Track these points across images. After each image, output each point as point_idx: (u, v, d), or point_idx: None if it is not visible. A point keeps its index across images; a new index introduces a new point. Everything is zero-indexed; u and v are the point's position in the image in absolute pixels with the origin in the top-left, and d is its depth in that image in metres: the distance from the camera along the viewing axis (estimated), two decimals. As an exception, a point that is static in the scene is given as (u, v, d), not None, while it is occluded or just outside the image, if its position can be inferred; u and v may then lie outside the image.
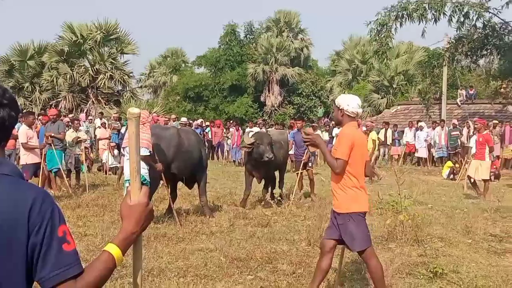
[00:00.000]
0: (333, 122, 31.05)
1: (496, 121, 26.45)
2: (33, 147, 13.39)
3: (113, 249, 2.13)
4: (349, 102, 6.09)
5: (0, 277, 1.97)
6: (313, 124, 16.29)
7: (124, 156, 14.39)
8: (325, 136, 27.30)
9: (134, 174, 2.28)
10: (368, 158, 6.32)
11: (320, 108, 45.76)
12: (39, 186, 13.98)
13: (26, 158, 13.36)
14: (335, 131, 27.33)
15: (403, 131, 28.35)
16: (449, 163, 22.76)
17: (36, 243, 1.98)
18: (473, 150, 16.70)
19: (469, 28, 26.88)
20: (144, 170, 9.86)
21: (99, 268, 2.08)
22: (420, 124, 27.69)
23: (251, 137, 13.00)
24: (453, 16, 25.59)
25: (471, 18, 25.78)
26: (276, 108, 47.27)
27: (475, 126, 17.38)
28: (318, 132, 19.61)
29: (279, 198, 13.21)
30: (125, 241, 2.19)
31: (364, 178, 6.14)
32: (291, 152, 16.36)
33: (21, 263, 1.99)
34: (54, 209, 2.05)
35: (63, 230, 2.04)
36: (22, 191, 2.04)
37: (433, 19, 25.38)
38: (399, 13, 25.46)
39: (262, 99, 47.74)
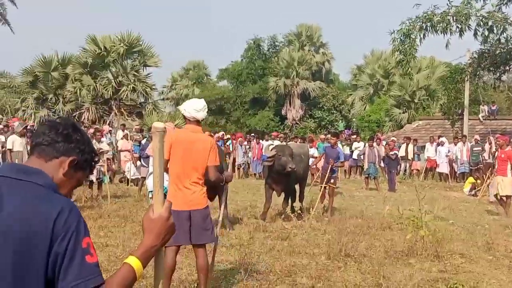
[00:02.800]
0: (353, 136, 31.09)
1: (519, 137, 26.22)
2: None
3: (134, 262, 2.18)
4: (185, 106, 6.45)
5: (17, 280, 2.03)
6: (336, 135, 16.18)
7: (145, 167, 14.43)
8: (346, 150, 27.26)
9: (157, 188, 2.31)
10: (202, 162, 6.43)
11: (342, 122, 45.70)
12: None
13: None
14: (355, 145, 27.33)
15: (424, 146, 28.21)
16: (471, 179, 22.58)
17: (59, 252, 2.04)
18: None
19: (492, 43, 26.64)
20: (167, 182, 9.92)
21: (120, 280, 2.13)
22: (441, 139, 27.53)
23: (271, 150, 13.04)
24: (478, 30, 25.39)
25: (495, 32, 25.58)
26: (297, 122, 47.32)
27: (497, 142, 17.25)
28: (339, 145, 19.58)
29: (299, 211, 13.20)
30: (146, 254, 2.23)
31: (188, 179, 6.35)
32: (319, 165, 16.32)
33: (40, 270, 2.05)
34: (80, 221, 2.11)
35: (87, 242, 2.10)
36: (50, 201, 2.11)
37: (458, 32, 25.13)
38: (423, 24, 25.28)
39: (283, 112, 47.84)
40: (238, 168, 27.23)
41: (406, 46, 25.74)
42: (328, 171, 14.66)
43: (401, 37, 25.70)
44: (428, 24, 25.12)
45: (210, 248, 7.15)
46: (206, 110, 6.53)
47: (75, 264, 2.04)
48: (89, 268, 2.06)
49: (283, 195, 13.94)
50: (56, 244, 2.04)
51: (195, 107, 6.41)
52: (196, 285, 7.06)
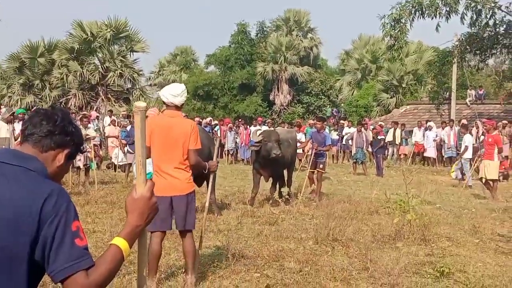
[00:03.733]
0: (341, 121, 31.14)
1: (506, 122, 26.36)
2: None
3: (120, 242, 2.18)
4: (163, 91, 6.49)
5: (4, 264, 2.04)
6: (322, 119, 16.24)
7: (131, 153, 14.38)
8: (334, 135, 27.32)
9: (140, 167, 2.31)
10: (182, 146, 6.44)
11: (329, 107, 45.72)
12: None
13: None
14: (346, 130, 27.38)
15: (411, 131, 28.31)
16: (458, 163, 22.66)
17: (48, 235, 2.05)
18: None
19: (480, 26, 26.66)
20: (151, 165, 9.89)
21: (108, 260, 2.14)
22: (429, 124, 27.63)
23: (259, 135, 13.03)
24: (466, 14, 25.41)
25: (483, 16, 25.61)
26: (285, 107, 47.31)
27: (485, 127, 17.33)
28: (327, 130, 19.61)
29: (287, 196, 13.23)
30: (131, 234, 2.24)
31: (170, 165, 6.39)
32: (299, 151, 16.33)
33: (27, 253, 2.06)
34: (69, 204, 2.13)
35: (77, 226, 2.11)
36: (39, 185, 2.12)
37: (446, 16, 25.11)
38: (413, 8, 25.19)
39: (271, 98, 47.79)
40: (227, 154, 27.28)
41: (396, 31, 25.70)
42: (312, 155, 14.69)
43: (391, 22, 25.66)
44: (418, 8, 25.06)
45: (198, 234, 7.15)
46: (185, 95, 6.51)
47: (65, 247, 2.05)
48: (79, 251, 2.07)
49: (271, 180, 13.96)
50: (45, 227, 2.05)
51: (172, 92, 6.41)
52: (183, 270, 7.06)
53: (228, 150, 27.26)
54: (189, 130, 6.41)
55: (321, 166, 14.81)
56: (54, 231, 2.04)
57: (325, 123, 15.75)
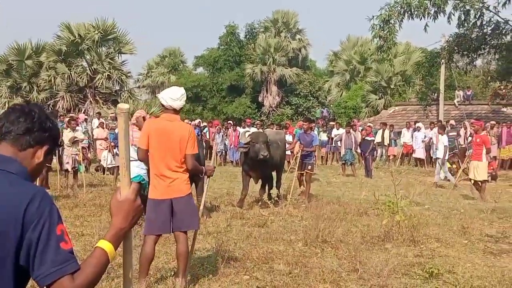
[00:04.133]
0: (331, 123, 31.17)
1: (494, 122, 26.52)
2: None
3: (105, 245, 2.18)
4: (163, 94, 6.55)
5: None
6: (309, 121, 16.40)
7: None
8: (323, 136, 27.34)
9: (123, 169, 2.30)
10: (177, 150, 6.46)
11: (318, 108, 45.76)
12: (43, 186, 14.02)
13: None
14: (334, 131, 27.39)
15: (400, 132, 28.38)
16: (447, 164, 22.75)
17: (32, 240, 2.02)
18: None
19: (468, 27, 26.75)
20: (143, 170, 9.87)
21: (93, 264, 2.13)
22: (417, 125, 27.73)
23: (247, 137, 13.04)
24: (453, 14, 25.47)
25: (471, 16, 25.70)
26: (274, 109, 47.31)
27: (472, 127, 17.40)
28: (315, 131, 19.60)
29: (276, 198, 13.22)
30: (115, 236, 2.23)
31: (168, 168, 6.41)
32: (288, 152, 16.34)
33: (12, 259, 2.03)
34: (52, 208, 2.10)
35: (61, 229, 2.09)
36: (21, 188, 2.09)
37: (434, 16, 25.14)
38: (401, 9, 25.22)
39: (260, 99, 47.78)
40: (216, 156, 27.23)
41: (386, 32, 25.72)
42: (299, 157, 14.74)
43: (380, 23, 25.67)
44: (407, 8, 25.09)
45: (190, 236, 7.12)
46: (184, 99, 6.55)
47: (50, 251, 2.03)
48: (64, 255, 2.05)
49: (260, 182, 13.95)
50: (29, 232, 2.03)
51: (172, 96, 6.45)
52: (173, 273, 7.05)
53: (216, 152, 27.22)
54: (187, 135, 6.46)
55: (309, 167, 14.83)
56: (38, 235, 2.03)
57: (313, 124, 15.76)
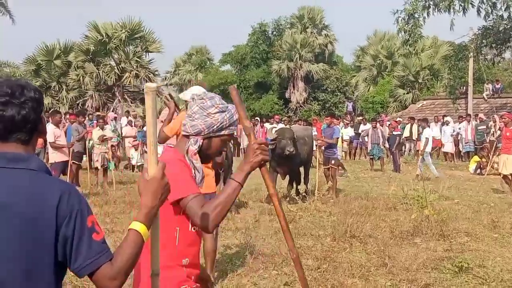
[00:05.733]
0: (359, 118, 31.04)
1: (524, 115, 26.15)
2: (61, 146, 13.59)
3: (138, 226, 2.20)
4: (184, 93, 6.68)
5: (29, 266, 2.05)
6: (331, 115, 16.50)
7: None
8: (350, 131, 27.22)
9: (151, 148, 2.30)
10: None
11: (346, 104, 45.47)
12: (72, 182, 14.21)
13: (55, 157, 13.55)
14: (362, 127, 27.27)
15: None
16: (476, 158, 22.55)
17: (67, 235, 2.07)
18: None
19: (495, 19, 26.45)
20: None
21: (129, 246, 2.17)
22: (446, 119, 27.50)
23: (274, 133, 13.07)
24: (481, 7, 25.21)
25: (498, 8, 25.41)
26: (301, 105, 47.14)
27: (503, 120, 17.18)
28: (339, 126, 19.60)
29: (304, 194, 13.23)
30: (147, 216, 2.24)
31: None
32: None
33: (49, 253, 2.08)
34: (81, 200, 2.14)
35: (92, 221, 2.14)
36: (49, 185, 2.12)
37: (461, 10, 24.91)
38: (426, 3, 25.05)
39: (287, 95, 47.66)
40: (243, 152, 27.28)
41: (410, 25, 25.55)
42: (322, 151, 14.82)
43: (405, 17, 25.52)
44: (431, 2, 24.91)
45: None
46: None
47: (84, 244, 2.08)
48: (97, 246, 2.10)
49: (287, 178, 13.97)
50: (63, 228, 2.07)
51: (193, 91, 6.52)
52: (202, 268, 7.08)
53: (243, 148, 27.27)
54: None
55: (332, 162, 14.79)
56: (72, 231, 2.07)
57: (334, 119, 15.70)
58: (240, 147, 26.87)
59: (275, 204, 3.13)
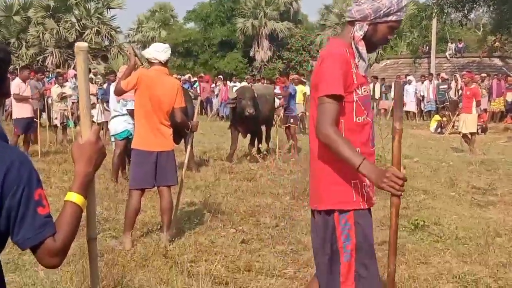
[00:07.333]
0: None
1: (485, 75, 26.48)
2: (25, 97, 13.26)
3: (74, 197, 2.12)
4: (147, 49, 6.63)
5: None
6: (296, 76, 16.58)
7: (108, 111, 14.28)
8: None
9: (84, 111, 2.22)
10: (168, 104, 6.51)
11: (309, 63, 45.43)
12: (33, 143, 13.98)
13: (18, 112, 13.24)
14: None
15: (391, 86, 28.31)
16: (437, 117, 22.80)
17: (12, 206, 1.99)
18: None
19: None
20: (130, 125, 9.78)
21: (68, 219, 2.09)
22: (408, 78, 27.67)
23: (234, 92, 12.99)
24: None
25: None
26: (266, 63, 47.00)
27: (464, 79, 17.34)
28: (307, 86, 19.50)
29: (265, 152, 13.22)
30: (82, 184, 2.16)
31: (157, 120, 6.41)
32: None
33: None
34: (31, 172, 2.05)
35: (39, 194, 2.04)
36: (0, 153, 2.04)
37: None
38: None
39: (251, 54, 47.44)
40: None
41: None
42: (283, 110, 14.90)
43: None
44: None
45: (175, 190, 7.12)
46: (169, 52, 6.56)
47: (28, 217, 2.00)
48: (40, 220, 2.02)
49: (249, 136, 13.94)
50: (8, 198, 1.99)
51: (156, 48, 6.53)
52: (159, 227, 7.06)
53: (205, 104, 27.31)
54: (176, 88, 6.53)
55: (291, 120, 14.84)
56: (18, 202, 1.99)
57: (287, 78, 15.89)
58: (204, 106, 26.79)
59: (392, 215, 3.07)
